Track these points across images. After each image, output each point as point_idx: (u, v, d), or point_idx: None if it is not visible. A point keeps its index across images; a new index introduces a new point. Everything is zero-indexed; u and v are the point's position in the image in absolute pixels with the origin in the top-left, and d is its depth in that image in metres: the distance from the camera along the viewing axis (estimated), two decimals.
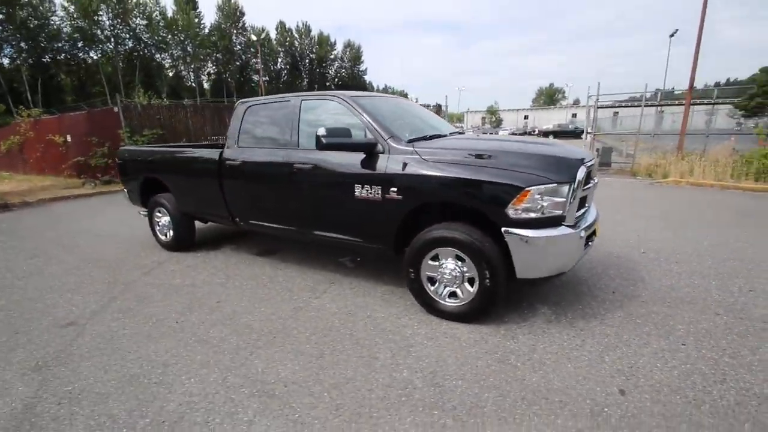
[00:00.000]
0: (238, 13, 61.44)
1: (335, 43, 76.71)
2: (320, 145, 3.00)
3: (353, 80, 78.34)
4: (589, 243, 2.92)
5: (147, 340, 2.84)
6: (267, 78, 63.91)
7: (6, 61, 42.89)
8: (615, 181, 10.36)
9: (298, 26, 72.10)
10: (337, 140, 2.99)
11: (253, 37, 57.13)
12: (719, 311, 3.03)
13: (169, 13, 53.27)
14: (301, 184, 3.52)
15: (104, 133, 11.88)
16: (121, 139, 11.50)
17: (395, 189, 2.94)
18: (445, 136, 3.56)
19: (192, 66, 59.41)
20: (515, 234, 2.55)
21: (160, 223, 4.98)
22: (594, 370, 2.35)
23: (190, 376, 2.40)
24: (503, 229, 2.59)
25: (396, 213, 3.00)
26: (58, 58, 46.38)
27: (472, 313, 2.85)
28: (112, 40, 48.44)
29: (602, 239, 4.46)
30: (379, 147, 3.06)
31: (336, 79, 77.94)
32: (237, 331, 2.92)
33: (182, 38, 54.73)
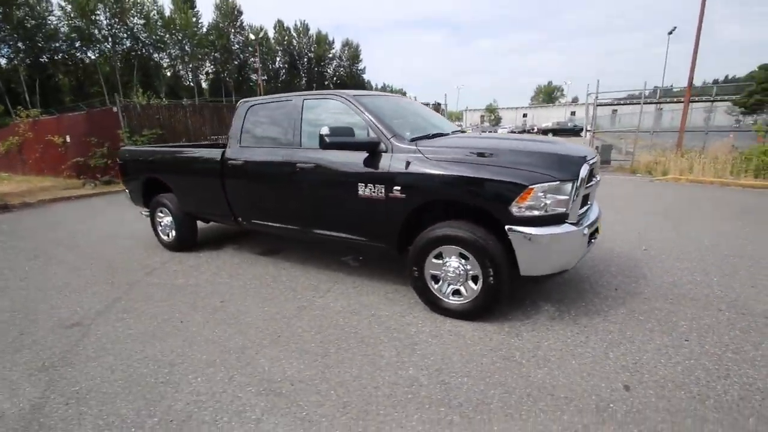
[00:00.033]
0: (236, 12, 61.29)
1: (333, 42, 76.68)
2: (323, 144, 3.01)
3: (352, 79, 78.24)
4: (592, 240, 2.93)
5: (152, 340, 2.85)
6: (265, 77, 63.79)
7: (3, 62, 42.85)
8: (615, 179, 10.38)
9: (296, 25, 72.04)
10: (340, 139, 3.00)
11: (252, 36, 57.13)
12: (721, 307, 3.05)
13: (167, 13, 53.13)
14: (304, 184, 3.53)
15: (103, 133, 11.87)
16: (121, 140, 11.48)
17: (398, 188, 2.95)
18: (447, 134, 3.57)
19: (190, 65, 59.28)
20: (519, 232, 2.56)
21: (162, 224, 4.99)
22: (598, 366, 2.37)
23: (196, 376, 2.41)
24: (507, 226, 2.61)
25: (399, 212, 3.01)
26: (56, 58, 46.23)
27: (476, 311, 2.86)
28: (110, 39, 48.27)
29: (603, 237, 4.47)
30: (382, 146, 3.07)
31: (334, 78, 77.84)
32: (242, 330, 2.93)
33: (180, 37, 54.60)
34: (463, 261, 2.83)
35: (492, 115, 78.11)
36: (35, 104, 34.53)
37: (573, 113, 63.68)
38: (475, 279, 2.83)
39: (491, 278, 2.69)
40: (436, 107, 20.76)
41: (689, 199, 7.36)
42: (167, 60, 57.39)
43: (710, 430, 1.87)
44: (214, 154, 4.18)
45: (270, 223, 3.98)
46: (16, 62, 42.06)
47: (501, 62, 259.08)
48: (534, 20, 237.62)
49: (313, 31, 73.60)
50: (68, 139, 12.77)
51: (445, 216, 3.11)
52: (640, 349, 2.53)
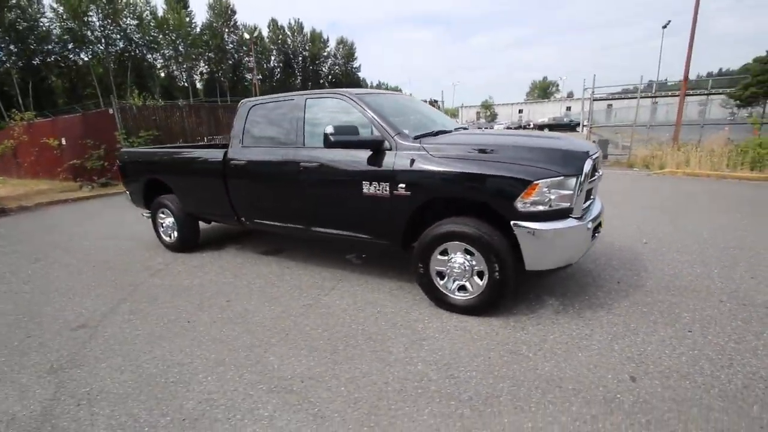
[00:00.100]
0: (229, 12, 60.93)
1: (328, 40, 76.41)
2: (328, 143, 3.02)
3: (347, 77, 78.05)
4: (596, 234, 2.96)
5: (160, 341, 2.86)
6: (260, 77, 63.50)
7: None
8: (612, 173, 10.43)
9: (290, 24, 71.72)
10: (345, 138, 3.01)
11: (246, 36, 56.76)
12: (723, 298, 3.09)
13: (160, 13, 52.74)
14: (308, 183, 3.54)
15: (99, 135, 11.81)
16: (117, 141, 11.44)
17: (403, 185, 2.97)
18: (450, 132, 3.59)
19: (184, 66, 58.92)
20: (524, 227, 2.59)
21: (163, 225, 4.99)
22: (604, 358, 2.40)
23: (206, 375, 2.43)
24: (512, 222, 2.63)
25: (404, 209, 3.03)
26: (49, 60, 45.76)
27: (482, 306, 2.89)
28: (103, 41, 47.86)
29: (604, 231, 4.49)
30: (386, 144, 3.09)
31: (330, 77, 77.63)
32: (249, 329, 2.95)
33: (173, 38, 54.22)
34: (468, 257, 2.85)
35: (488, 112, 78.16)
36: (28, 107, 34.22)
37: (568, 108, 63.83)
38: (480, 275, 2.85)
39: (497, 273, 2.72)
40: (432, 104, 20.79)
41: (687, 193, 7.42)
42: (161, 61, 57.03)
43: (716, 418, 1.90)
44: (216, 154, 4.19)
45: (273, 223, 3.99)
46: (8, 65, 41.66)
47: (496, 58, 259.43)
48: (528, 15, 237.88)
49: (307, 30, 73.40)
50: (64, 141, 12.69)
51: (449, 213, 3.13)
52: (644, 340, 2.57)
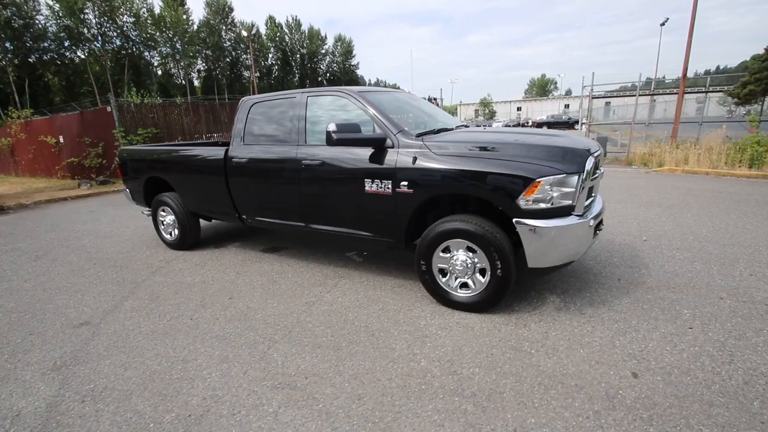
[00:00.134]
0: (226, 9, 60.65)
1: (326, 38, 76.24)
2: (331, 141, 3.02)
3: (345, 75, 77.92)
4: (597, 232, 2.97)
5: (164, 338, 2.86)
6: (258, 74, 63.31)
7: None
8: (611, 171, 10.46)
9: (288, 21, 71.53)
10: (347, 135, 3.01)
11: (244, 33, 56.56)
12: (723, 295, 3.11)
13: (157, 10, 52.48)
14: (310, 180, 3.54)
15: (98, 133, 11.78)
16: (116, 139, 11.40)
17: (406, 183, 2.97)
18: (451, 129, 3.59)
19: (181, 63, 58.67)
20: (527, 224, 2.60)
21: (164, 222, 4.98)
22: (606, 354, 2.42)
23: (210, 371, 2.44)
24: (515, 219, 2.64)
25: (407, 206, 3.04)
26: (45, 58, 45.52)
27: (484, 303, 2.90)
28: (100, 38, 47.62)
29: (604, 228, 4.53)
30: (389, 142, 3.09)
31: (327, 74, 77.48)
32: (252, 326, 2.96)
33: (171, 35, 53.99)
34: (470, 254, 2.87)
35: (486, 109, 78.14)
36: (25, 104, 34.04)
37: (567, 106, 63.93)
38: (482, 272, 2.86)
39: (499, 271, 2.73)
40: (431, 102, 20.77)
41: (686, 190, 7.45)
42: (158, 58, 56.77)
43: (717, 413, 1.92)
44: (218, 152, 4.18)
45: (274, 220, 4.00)
46: (4, 63, 41.40)
47: (494, 56, 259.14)
48: (526, 12, 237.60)
49: (305, 27, 73.18)
50: (62, 139, 12.66)
51: (451, 210, 3.15)
52: (645, 337, 2.59)
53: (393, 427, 1.93)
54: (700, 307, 2.95)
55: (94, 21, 46.48)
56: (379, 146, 3.11)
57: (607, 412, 1.95)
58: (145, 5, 50.46)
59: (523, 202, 2.60)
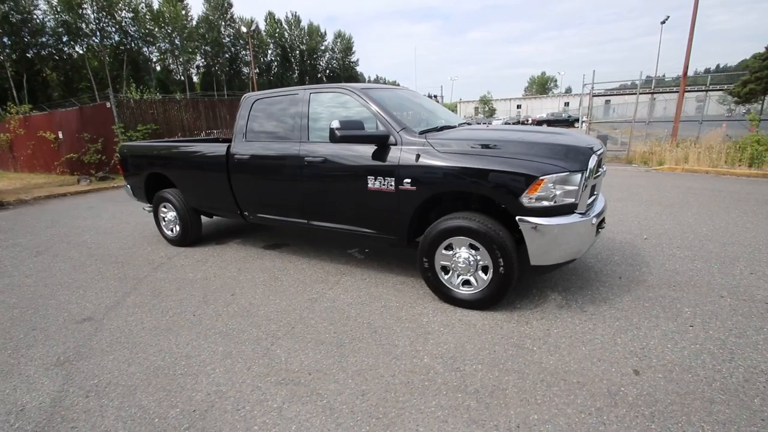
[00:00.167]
0: (225, 4, 60.36)
1: (325, 34, 75.93)
2: (334, 138, 3.02)
3: (345, 71, 77.70)
4: (600, 230, 2.98)
5: (167, 334, 2.87)
6: (257, 70, 63.08)
7: None
8: (611, 169, 10.47)
9: (287, 17, 71.24)
10: (351, 132, 3.01)
11: (243, 29, 56.31)
12: (723, 294, 3.13)
13: (155, 5, 52.23)
14: (312, 177, 3.54)
15: (97, 129, 11.75)
16: (115, 135, 11.38)
17: (409, 180, 2.98)
18: (454, 127, 3.59)
19: (180, 59, 58.43)
20: (530, 222, 2.61)
21: (165, 219, 4.98)
22: (608, 352, 2.44)
23: (214, 367, 2.45)
24: (517, 217, 2.65)
25: (409, 204, 3.04)
26: (43, 53, 45.27)
27: (486, 301, 2.91)
28: (98, 33, 47.38)
29: (605, 226, 4.55)
30: (392, 139, 3.09)
31: (327, 71, 77.24)
32: (255, 323, 2.96)
33: (169, 31, 53.75)
34: (473, 252, 2.87)
35: (486, 107, 78.04)
36: (23, 100, 33.87)
37: (567, 104, 63.88)
38: (485, 269, 2.87)
39: (502, 268, 2.74)
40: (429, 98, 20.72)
41: (686, 189, 7.46)
42: (157, 54, 56.55)
43: (718, 410, 1.94)
44: (220, 149, 4.18)
45: (276, 217, 4.00)
46: (2, 58, 41.16)
47: (494, 53, 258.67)
48: (525, 9, 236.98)
49: (304, 23, 72.91)
50: (61, 135, 12.62)
51: (453, 208, 3.15)
52: (646, 335, 2.60)
53: (397, 422, 1.94)
54: (700, 305, 2.96)
55: (92, 16, 46.25)
56: (382, 143, 3.11)
57: (609, 409, 1.97)
58: (143, 0, 50.23)
59: (527, 199, 2.60)
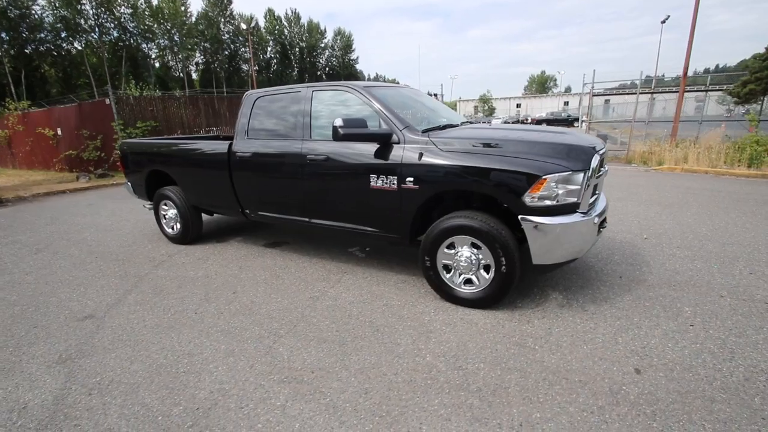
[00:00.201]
0: (225, 1, 60.11)
1: (325, 31, 75.71)
2: (337, 136, 3.02)
3: (344, 69, 77.51)
4: (601, 229, 2.99)
5: (169, 331, 2.87)
6: (256, 67, 62.88)
7: None
8: (611, 169, 10.49)
9: (287, 14, 70.96)
10: (354, 131, 3.01)
11: (243, 26, 56.11)
12: (723, 293, 3.14)
13: (155, 2, 51.97)
14: (314, 175, 3.54)
15: (96, 125, 11.71)
16: (115, 132, 11.34)
17: (411, 179, 2.98)
18: (457, 126, 3.59)
19: (179, 56, 58.22)
20: (532, 221, 2.62)
21: (166, 216, 4.97)
22: (609, 351, 2.45)
23: (217, 365, 2.45)
24: (520, 216, 2.66)
25: (412, 202, 3.05)
26: (41, 49, 45.03)
27: (488, 300, 2.92)
28: (97, 29, 47.16)
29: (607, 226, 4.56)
30: (395, 137, 3.09)
31: (327, 68, 77.05)
32: (257, 321, 2.97)
33: (168, 27, 53.55)
34: (475, 250, 2.88)
35: (486, 106, 78.01)
36: (21, 96, 33.78)
37: (566, 103, 63.89)
38: (487, 268, 2.88)
39: (504, 267, 2.75)
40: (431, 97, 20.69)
41: (686, 189, 7.48)
42: (156, 50, 56.33)
43: (719, 409, 1.95)
44: (222, 146, 4.17)
45: (278, 215, 4.00)
46: (0, 53, 40.95)
47: (494, 50, 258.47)
48: (525, 8, 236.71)
49: (304, 20, 72.66)
50: (59, 131, 12.56)
51: (455, 206, 3.15)
52: (647, 334, 2.62)
53: (400, 420, 1.95)
54: (700, 304, 2.98)
55: (91, 12, 46.02)
56: (385, 142, 3.11)
57: (611, 408, 1.98)
58: None
59: (529, 199, 2.61)
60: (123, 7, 48.44)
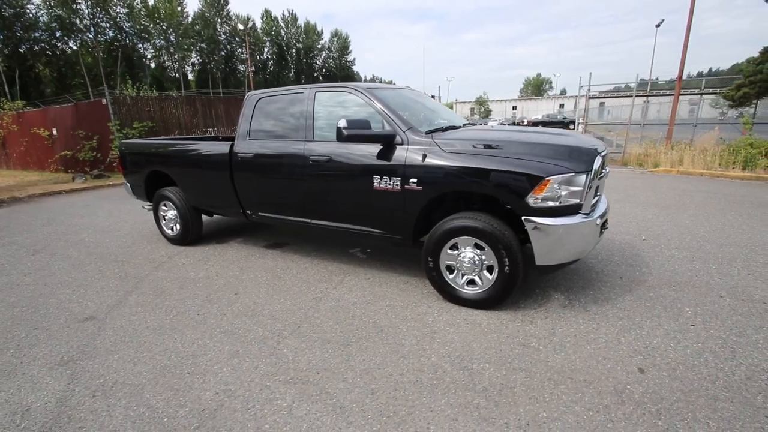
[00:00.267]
0: (222, 1, 59.98)
1: (322, 33, 75.73)
2: (341, 137, 3.02)
3: (341, 70, 77.55)
4: (603, 231, 3.02)
5: (171, 333, 2.86)
6: (253, 68, 62.73)
7: None
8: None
9: (284, 15, 70.91)
10: (358, 132, 3.02)
11: (240, 26, 55.99)
12: (722, 293, 3.18)
13: (151, 2, 51.77)
14: (317, 176, 3.54)
15: (92, 126, 11.64)
16: (111, 132, 11.27)
17: (415, 180, 2.99)
18: (459, 127, 3.61)
19: (176, 56, 57.99)
20: (535, 222, 2.64)
21: (165, 217, 4.95)
22: (612, 351, 2.47)
23: (221, 366, 2.44)
24: (523, 217, 2.67)
25: (415, 203, 3.05)
26: (36, 48, 44.71)
27: (491, 300, 2.93)
28: (92, 29, 46.90)
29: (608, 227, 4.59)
30: (398, 138, 3.10)
31: (323, 70, 77.05)
32: (260, 322, 2.96)
33: (164, 27, 53.35)
34: (478, 251, 2.89)
35: (482, 108, 78.30)
36: (15, 96, 33.42)
37: (562, 105, 64.26)
38: (490, 269, 2.89)
39: (507, 268, 2.77)
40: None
41: (682, 191, 7.55)
42: (152, 51, 56.07)
43: (722, 407, 1.97)
44: (223, 147, 4.16)
45: (279, 216, 3.99)
46: None
47: (489, 54, 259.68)
48: (520, 11, 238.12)
49: (301, 21, 72.68)
50: (55, 132, 12.48)
51: (456, 208, 3.17)
52: (649, 334, 2.64)
53: (408, 421, 1.95)
54: (701, 305, 3.01)
55: (86, 11, 45.77)
56: (388, 143, 3.12)
57: (617, 407, 2.00)
58: None
59: (532, 200, 2.63)
60: (119, 7, 48.23)
